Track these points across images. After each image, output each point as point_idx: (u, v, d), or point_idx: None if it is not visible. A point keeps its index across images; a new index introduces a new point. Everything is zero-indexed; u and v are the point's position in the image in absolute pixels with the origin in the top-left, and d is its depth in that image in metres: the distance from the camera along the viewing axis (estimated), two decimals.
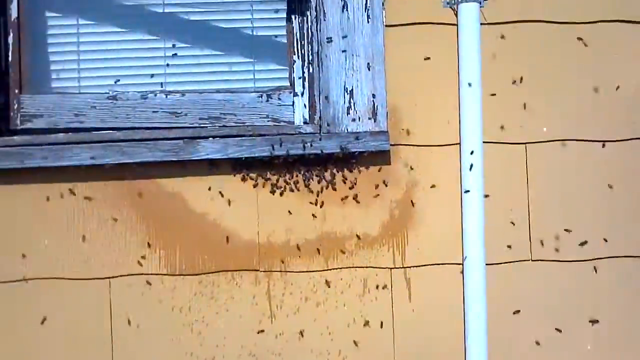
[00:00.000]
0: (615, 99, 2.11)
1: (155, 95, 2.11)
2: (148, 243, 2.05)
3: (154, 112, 2.11)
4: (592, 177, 2.11)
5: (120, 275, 2.04)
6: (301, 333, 2.07)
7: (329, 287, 2.07)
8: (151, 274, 2.05)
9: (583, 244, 2.10)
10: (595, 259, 2.11)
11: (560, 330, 2.10)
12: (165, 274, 2.05)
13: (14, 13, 2.10)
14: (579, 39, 2.10)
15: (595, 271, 2.10)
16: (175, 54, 2.21)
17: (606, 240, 2.10)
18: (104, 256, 2.04)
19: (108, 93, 2.11)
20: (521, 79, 2.09)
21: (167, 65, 2.21)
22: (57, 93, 2.13)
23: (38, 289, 2.02)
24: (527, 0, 2.09)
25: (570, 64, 2.11)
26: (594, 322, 2.10)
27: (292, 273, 2.07)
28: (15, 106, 2.10)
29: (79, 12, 2.21)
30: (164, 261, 2.05)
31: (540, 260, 2.10)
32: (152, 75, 2.20)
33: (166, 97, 2.11)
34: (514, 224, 2.09)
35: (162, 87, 2.20)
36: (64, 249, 2.03)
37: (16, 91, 2.10)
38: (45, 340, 2.03)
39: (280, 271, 2.07)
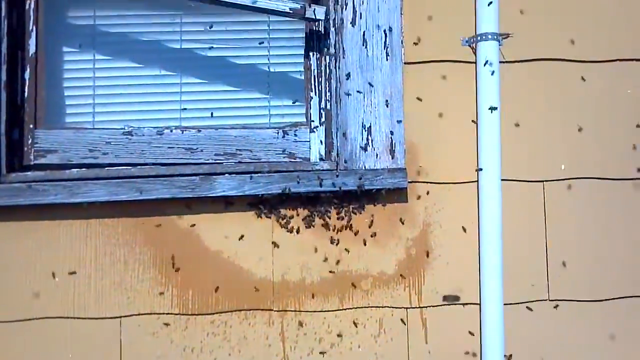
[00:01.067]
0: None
1: (171, 131, 2.10)
2: (161, 281, 2.02)
3: (169, 147, 2.10)
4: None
5: (132, 315, 2.01)
6: None
7: (344, 327, 2.04)
8: (163, 314, 2.02)
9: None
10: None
11: None
12: (177, 314, 2.02)
13: (32, 48, 2.11)
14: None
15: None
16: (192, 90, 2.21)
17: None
18: (115, 295, 2.01)
19: (123, 129, 2.10)
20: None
21: (184, 100, 2.22)
22: (72, 128, 2.12)
23: (48, 328, 1.99)
24: (545, 39, 2.10)
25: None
26: None
27: (306, 313, 2.03)
28: (30, 141, 2.09)
29: (96, 47, 2.22)
30: (176, 300, 2.02)
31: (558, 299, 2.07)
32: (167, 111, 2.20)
33: (182, 132, 2.10)
34: (530, 263, 2.06)
35: (178, 122, 2.19)
36: (74, 287, 2.00)
37: (31, 126, 2.09)
38: None
39: (295, 311, 2.03)
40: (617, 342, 2.09)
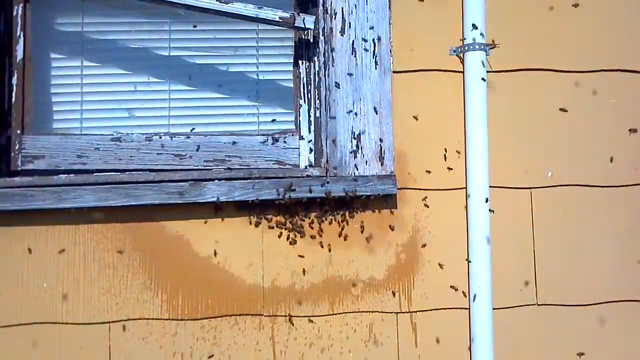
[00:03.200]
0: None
1: (160, 137, 2.10)
2: (150, 287, 2.01)
3: (158, 154, 2.10)
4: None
5: (121, 320, 2.00)
6: None
7: (334, 332, 2.05)
8: (152, 319, 2.01)
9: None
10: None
11: None
12: (167, 319, 2.01)
13: (20, 54, 2.10)
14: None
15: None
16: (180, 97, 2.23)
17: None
18: (104, 300, 2.00)
19: (112, 135, 2.10)
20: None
21: (172, 107, 2.22)
22: (60, 134, 2.11)
23: (36, 333, 1.97)
24: (532, 49, 2.15)
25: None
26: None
27: (296, 318, 2.04)
28: (17, 147, 2.07)
29: (84, 53, 2.21)
30: (165, 305, 2.01)
31: (546, 304, 2.11)
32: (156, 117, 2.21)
33: (171, 139, 2.11)
34: (519, 268, 2.10)
35: (166, 129, 2.19)
36: (63, 292, 1.99)
37: (18, 131, 2.08)
38: None
39: (285, 316, 2.04)
40: (607, 345, 2.13)
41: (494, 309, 2.05)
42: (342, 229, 2.06)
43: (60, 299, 1.98)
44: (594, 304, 2.13)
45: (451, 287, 2.08)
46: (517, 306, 2.10)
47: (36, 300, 1.97)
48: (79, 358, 1.98)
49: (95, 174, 2.01)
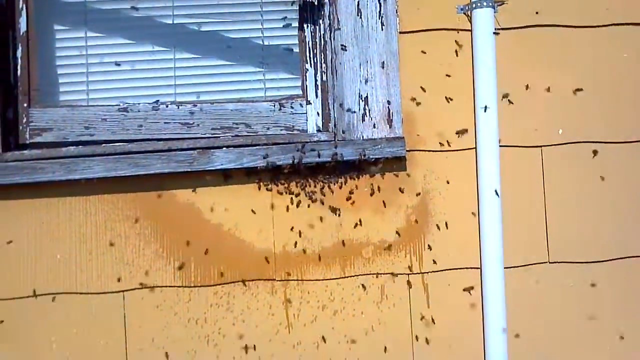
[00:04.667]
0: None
1: (167, 106, 2.10)
2: (162, 255, 2.03)
3: (165, 123, 2.09)
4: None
5: (135, 289, 2.02)
6: (319, 342, 2.05)
7: (347, 294, 2.06)
8: (166, 286, 2.03)
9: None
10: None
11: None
12: (180, 286, 2.03)
13: (22, 27, 2.09)
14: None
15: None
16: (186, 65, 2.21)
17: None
18: (117, 269, 2.02)
19: (119, 105, 2.09)
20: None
21: (178, 75, 2.21)
22: (67, 106, 2.11)
23: (51, 304, 1.99)
24: (541, 5, 2.12)
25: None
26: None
27: (309, 282, 2.05)
28: (25, 120, 2.07)
29: (87, 24, 2.20)
30: (178, 273, 2.03)
31: (557, 262, 2.11)
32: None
33: (178, 108, 2.10)
34: (531, 227, 2.10)
35: (173, 98, 2.19)
36: (76, 263, 2.01)
37: (25, 105, 2.08)
38: (57, 357, 1.99)
39: (297, 280, 2.05)
40: (617, 303, 2.14)
41: (505, 267, 2.05)
42: (352, 193, 2.06)
43: (74, 269, 2.00)
44: (606, 261, 2.13)
45: (462, 247, 2.08)
46: (528, 265, 2.10)
47: (50, 272, 1.99)
48: (95, 327, 2.00)
49: (103, 145, 2.02)
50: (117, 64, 2.19)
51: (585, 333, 2.12)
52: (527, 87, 2.11)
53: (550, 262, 2.10)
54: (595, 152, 2.12)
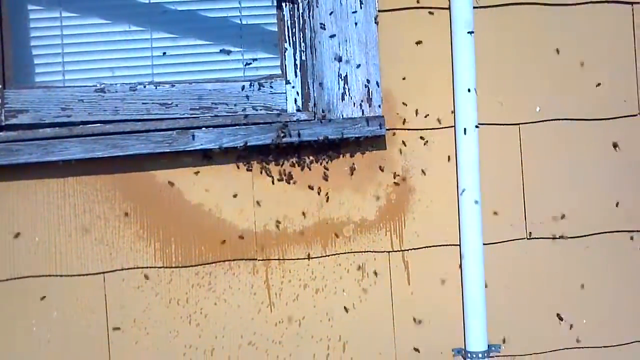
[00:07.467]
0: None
1: (145, 86, 2.07)
2: (143, 236, 2.02)
3: (143, 103, 2.07)
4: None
5: (115, 270, 2.01)
6: (301, 320, 2.06)
7: (328, 273, 2.07)
8: (147, 267, 2.02)
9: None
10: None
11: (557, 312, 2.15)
12: (161, 267, 2.03)
13: None
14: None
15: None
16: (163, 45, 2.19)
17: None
18: (97, 251, 2.01)
19: (95, 86, 2.07)
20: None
21: (156, 56, 2.19)
22: (43, 87, 2.07)
23: (31, 287, 1.97)
24: None
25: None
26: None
27: (290, 261, 2.06)
28: (0, 102, 2.04)
29: (62, 4, 2.16)
30: (159, 254, 2.03)
31: (535, 238, 2.14)
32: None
33: (156, 88, 2.08)
34: (508, 204, 2.12)
35: (150, 78, 2.17)
36: (55, 245, 1.99)
37: (0, 86, 2.04)
38: (37, 340, 1.98)
39: (279, 259, 2.06)
40: (598, 277, 2.17)
41: (484, 244, 2.08)
42: (332, 172, 2.06)
43: (53, 252, 1.99)
44: (584, 236, 2.16)
45: (441, 224, 2.10)
46: (507, 241, 2.13)
47: (29, 254, 1.98)
48: (76, 309, 1.99)
49: (80, 126, 1.99)
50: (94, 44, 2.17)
51: (564, 307, 2.15)
52: (505, 66, 2.12)
53: (528, 238, 2.13)
54: (572, 129, 2.14)
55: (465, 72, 2.05)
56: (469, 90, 2.05)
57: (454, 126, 2.08)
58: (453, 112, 2.09)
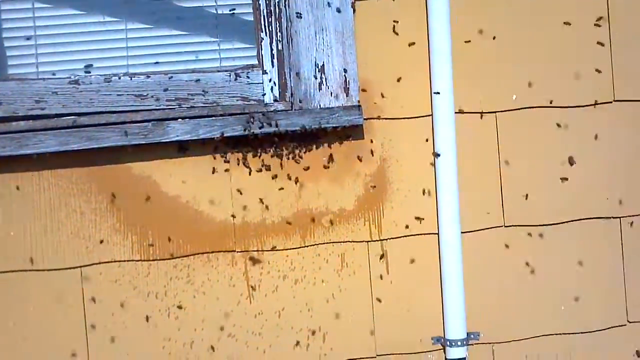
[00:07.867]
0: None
1: (119, 78, 2.04)
2: (120, 229, 2.00)
3: (118, 95, 2.04)
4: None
5: (92, 264, 1.99)
6: (280, 311, 2.06)
7: (307, 264, 2.07)
8: (124, 261, 2.01)
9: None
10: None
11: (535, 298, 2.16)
12: (138, 260, 2.01)
13: None
14: None
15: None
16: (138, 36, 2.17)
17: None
18: (74, 245, 1.99)
19: (70, 77, 2.04)
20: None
21: (131, 47, 2.17)
22: (16, 79, 2.04)
23: (6, 282, 1.96)
24: None
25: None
26: None
27: (268, 252, 2.05)
28: None
29: None
30: (136, 246, 2.01)
31: (513, 226, 2.15)
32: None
33: (131, 79, 2.05)
34: (485, 190, 2.13)
35: (125, 70, 2.14)
36: (31, 239, 1.97)
37: None
38: (15, 336, 1.96)
39: (257, 250, 2.05)
40: (581, 265, 2.19)
41: (462, 232, 2.08)
42: (310, 162, 2.05)
43: (28, 247, 1.97)
44: (561, 223, 2.17)
45: (420, 213, 2.10)
46: (484, 229, 2.13)
47: (4, 249, 1.96)
48: (52, 304, 1.98)
49: (54, 119, 1.97)
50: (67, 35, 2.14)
51: (541, 295, 2.17)
52: (483, 53, 2.12)
53: (505, 226, 2.14)
54: (550, 116, 2.15)
55: (442, 60, 2.05)
56: (446, 79, 2.05)
57: (432, 115, 2.07)
58: (430, 101, 2.08)
